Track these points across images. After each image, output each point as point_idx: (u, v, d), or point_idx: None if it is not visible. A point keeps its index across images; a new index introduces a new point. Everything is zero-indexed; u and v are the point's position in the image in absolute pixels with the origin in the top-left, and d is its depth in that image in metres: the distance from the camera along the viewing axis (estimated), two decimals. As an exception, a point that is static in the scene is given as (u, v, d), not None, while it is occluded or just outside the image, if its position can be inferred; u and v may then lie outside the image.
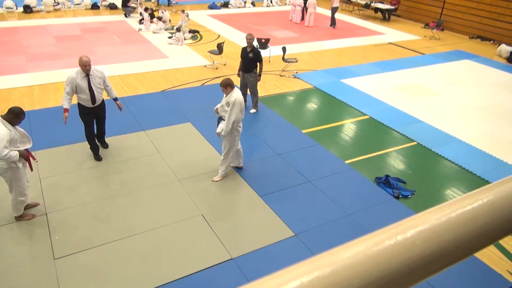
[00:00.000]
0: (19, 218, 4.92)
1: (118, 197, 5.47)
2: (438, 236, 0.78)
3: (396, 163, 6.65)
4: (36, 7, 16.16)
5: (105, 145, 6.59)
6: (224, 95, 5.62)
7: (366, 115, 8.35)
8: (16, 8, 16.20)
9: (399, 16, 18.42)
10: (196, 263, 4.45)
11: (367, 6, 18.48)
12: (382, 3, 18.21)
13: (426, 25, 16.59)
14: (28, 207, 5.05)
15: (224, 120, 5.60)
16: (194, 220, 5.09)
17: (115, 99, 6.26)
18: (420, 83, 10.26)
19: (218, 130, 5.69)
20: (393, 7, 17.76)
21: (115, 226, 4.93)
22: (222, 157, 5.84)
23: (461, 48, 13.98)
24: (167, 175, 5.96)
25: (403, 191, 5.82)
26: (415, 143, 7.31)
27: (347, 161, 6.57)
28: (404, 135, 7.55)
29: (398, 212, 5.39)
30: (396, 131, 7.72)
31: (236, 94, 5.52)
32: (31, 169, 4.85)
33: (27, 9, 15.94)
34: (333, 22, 15.80)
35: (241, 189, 5.74)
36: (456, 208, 0.81)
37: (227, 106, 5.51)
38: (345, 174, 6.23)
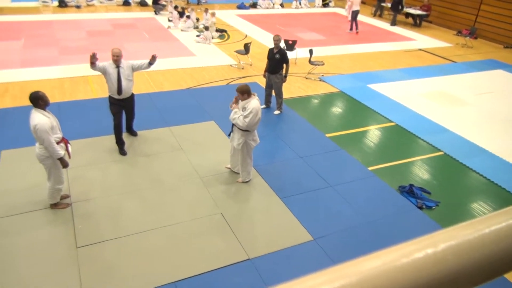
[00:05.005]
0: (54, 206, 5.06)
1: (141, 191, 5.56)
2: (470, 252, 0.75)
3: (421, 173, 6.50)
4: (70, 1, 16.65)
5: (134, 134, 6.91)
6: (240, 100, 5.45)
7: (392, 122, 8.20)
8: (52, 2, 16.74)
9: (430, 22, 18.02)
10: (214, 261, 4.46)
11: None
12: (413, 8, 17.83)
13: (459, 33, 16.16)
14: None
15: (236, 127, 5.47)
16: (213, 218, 5.12)
17: (150, 63, 6.32)
18: (450, 92, 10.00)
19: (236, 142, 5.53)
20: (425, 12, 17.38)
21: (136, 220, 5.01)
22: (241, 167, 5.78)
23: (495, 57, 13.54)
24: (189, 172, 6.02)
25: (427, 202, 5.68)
26: (442, 153, 7.12)
27: (370, 168, 6.47)
28: (431, 144, 7.37)
29: (420, 223, 5.27)
30: (422, 139, 7.54)
31: (254, 103, 5.29)
32: (69, 156, 4.98)
33: (62, 4, 16.43)
34: (354, 26, 15.48)
35: (262, 190, 5.74)
36: (490, 224, 0.78)
37: (242, 110, 5.35)
38: (367, 180, 6.13)
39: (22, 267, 4.23)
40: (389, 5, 18.62)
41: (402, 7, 17.02)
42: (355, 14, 15.22)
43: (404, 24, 17.42)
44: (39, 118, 4.49)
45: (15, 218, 4.89)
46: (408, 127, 7.96)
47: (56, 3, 16.65)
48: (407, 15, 17.82)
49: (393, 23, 17.11)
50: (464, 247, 0.77)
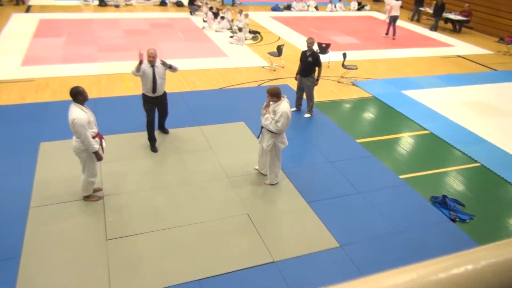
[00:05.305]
0: (87, 198, 5.24)
1: (170, 188, 5.65)
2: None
3: (455, 184, 6.27)
4: (110, 1, 17.20)
5: (166, 131, 7.07)
6: (271, 102, 5.42)
7: (427, 129, 7.96)
8: (92, 1, 17.36)
9: (471, 28, 17.40)
10: (239, 261, 4.48)
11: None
12: (453, 13, 17.25)
13: (501, 40, 15.51)
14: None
15: (266, 129, 5.45)
16: (239, 219, 5.14)
17: (170, 66, 6.31)
18: (489, 101, 9.61)
19: (265, 144, 5.52)
20: (465, 18, 16.79)
21: (164, 216, 5.10)
22: (269, 169, 5.77)
23: (539, 66, 12.90)
24: (217, 172, 6.07)
25: (460, 214, 5.47)
26: (478, 164, 6.84)
27: (401, 176, 6.31)
28: (467, 155, 7.10)
29: (453, 236, 5.08)
30: (458, 149, 7.28)
31: (284, 106, 5.27)
32: (103, 151, 5.13)
33: (102, 3, 17.00)
34: (390, 31, 15.07)
35: (289, 193, 5.70)
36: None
37: (273, 114, 5.34)
38: (398, 189, 5.97)
39: (54, 254, 4.39)
40: (427, 9, 18.14)
41: (443, 12, 16.51)
42: (393, 19, 14.80)
43: (443, 30, 16.90)
44: (78, 113, 4.66)
45: (51, 207, 5.09)
46: (443, 136, 7.71)
47: (96, 2, 17.25)
48: (446, 20, 17.28)
49: (434, 28, 16.60)
50: (506, 266, 0.73)
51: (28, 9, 15.71)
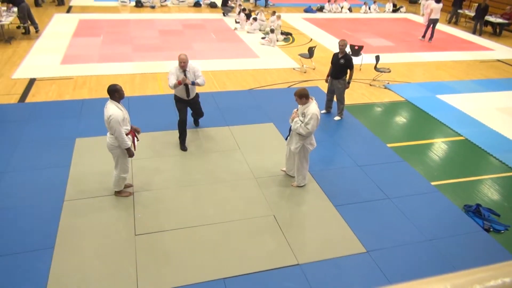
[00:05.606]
0: (118, 193, 5.40)
1: (197, 186, 5.73)
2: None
3: (490, 193, 6.02)
4: (146, 2, 17.63)
5: (197, 124, 7.35)
6: (299, 105, 5.40)
7: (462, 136, 7.69)
8: (129, 2, 17.87)
9: (512, 31, 16.66)
10: (263, 262, 4.48)
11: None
12: (493, 16, 16.56)
13: (545, 44, 14.77)
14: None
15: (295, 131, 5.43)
16: (265, 220, 5.14)
17: (193, 83, 6.31)
18: (530, 108, 9.18)
19: (293, 146, 5.50)
20: (506, 21, 16.10)
21: (191, 214, 5.17)
22: (296, 171, 5.74)
23: None
24: (245, 172, 6.10)
25: (495, 225, 5.25)
26: (516, 173, 6.55)
27: (433, 183, 6.12)
28: (504, 163, 6.81)
29: (486, 246, 4.88)
30: (494, 157, 6.99)
31: (313, 108, 5.22)
32: (135, 148, 5.26)
33: (138, 4, 17.45)
34: (428, 34, 14.60)
35: (316, 196, 5.65)
36: None
37: (302, 116, 5.30)
38: (429, 196, 5.80)
39: (86, 247, 4.54)
40: (466, 11, 17.53)
41: (486, 15, 15.85)
42: (432, 22, 14.33)
43: (482, 33, 16.26)
44: (114, 110, 4.80)
45: (84, 201, 5.27)
46: (479, 142, 7.42)
47: (133, 3, 17.73)
48: (486, 23, 16.63)
49: (479, 32, 15.90)
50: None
51: (69, 10, 16.35)
